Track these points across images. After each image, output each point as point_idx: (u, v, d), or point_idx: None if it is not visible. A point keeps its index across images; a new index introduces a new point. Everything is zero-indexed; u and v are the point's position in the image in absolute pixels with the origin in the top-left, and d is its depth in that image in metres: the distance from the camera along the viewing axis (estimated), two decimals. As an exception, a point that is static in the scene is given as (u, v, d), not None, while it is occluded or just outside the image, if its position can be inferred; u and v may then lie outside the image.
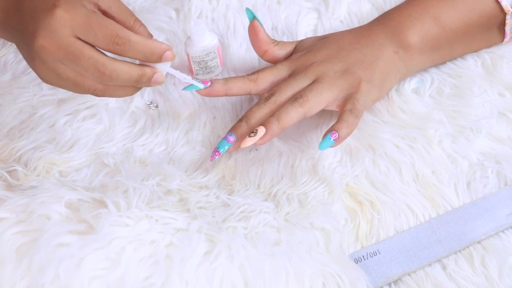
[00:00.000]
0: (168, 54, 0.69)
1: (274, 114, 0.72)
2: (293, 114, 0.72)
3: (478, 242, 0.70)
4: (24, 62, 0.88)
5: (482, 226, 0.71)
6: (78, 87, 0.69)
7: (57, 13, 0.66)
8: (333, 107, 0.75)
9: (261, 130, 0.71)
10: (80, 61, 0.66)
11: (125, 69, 0.68)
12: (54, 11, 0.65)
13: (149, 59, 0.69)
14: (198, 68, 0.84)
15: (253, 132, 0.71)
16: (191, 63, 0.84)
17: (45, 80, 0.69)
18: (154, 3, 0.92)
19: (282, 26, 0.90)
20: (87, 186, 0.71)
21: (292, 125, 0.73)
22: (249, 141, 0.71)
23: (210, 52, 0.83)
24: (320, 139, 0.77)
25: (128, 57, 0.68)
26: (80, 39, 0.66)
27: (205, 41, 0.82)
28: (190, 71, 0.85)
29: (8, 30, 0.71)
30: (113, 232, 0.62)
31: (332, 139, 0.71)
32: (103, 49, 0.67)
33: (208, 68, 0.84)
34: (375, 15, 0.88)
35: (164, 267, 0.61)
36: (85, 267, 0.60)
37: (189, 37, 0.83)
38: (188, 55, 0.83)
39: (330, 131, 0.71)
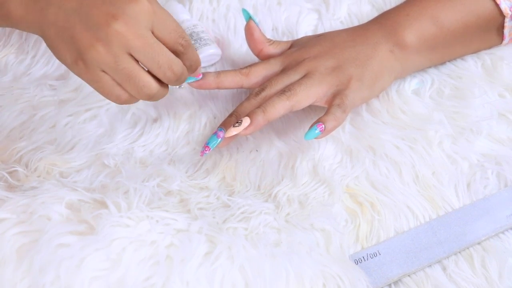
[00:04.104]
0: (199, 70, 0.73)
1: (260, 105, 0.73)
2: (279, 107, 0.72)
3: (478, 243, 0.70)
4: (25, 63, 0.88)
5: (482, 227, 0.71)
6: (129, 81, 0.65)
7: (143, 3, 0.64)
8: (322, 103, 0.75)
9: (246, 121, 0.71)
10: (158, 56, 0.65)
11: (184, 69, 0.68)
12: (140, 1, 0.64)
13: (190, 69, 0.70)
14: (193, 42, 0.84)
15: (238, 122, 0.71)
16: None
17: (90, 70, 0.64)
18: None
19: (282, 27, 0.90)
20: (88, 187, 0.71)
21: (278, 118, 0.73)
22: (233, 131, 0.71)
23: (197, 25, 0.85)
24: (321, 140, 0.77)
25: (181, 59, 0.68)
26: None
27: (184, 14, 0.86)
28: None
29: (40, 8, 0.65)
30: (113, 232, 0.62)
31: (318, 130, 0.71)
32: (167, 47, 0.66)
33: (203, 39, 0.84)
34: (375, 16, 0.88)
35: (165, 268, 0.61)
36: (86, 268, 0.60)
37: None
38: None
39: (316, 122, 0.72)
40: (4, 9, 0.66)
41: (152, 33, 0.65)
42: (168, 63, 0.66)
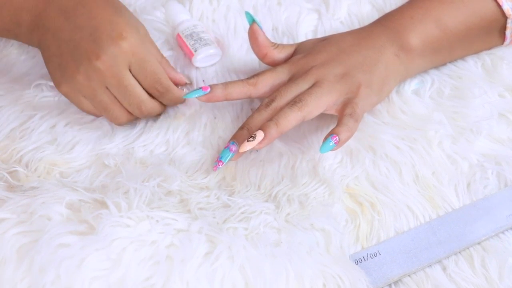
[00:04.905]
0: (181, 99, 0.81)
1: (272, 118, 0.72)
2: (291, 118, 0.72)
3: (478, 243, 0.71)
4: (26, 64, 0.88)
5: (482, 227, 0.71)
6: (105, 112, 0.77)
7: (123, 45, 0.74)
8: (332, 111, 0.75)
9: (260, 135, 0.71)
10: (129, 96, 0.76)
11: (157, 109, 0.79)
12: (120, 43, 0.74)
13: (170, 105, 0.81)
14: (193, 42, 0.84)
15: (251, 136, 0.71)
16: (186, 41, 0.84)
17: (72, 93, 0.76)
18: (154, 3, 0.92)
19: (282, 27, 0.90)
20: (88, 187, 0.71)
21: (291, 129, 0.73)
22: (247, 146, 0.71)
23: (197, 25, 0.85)
24: (321, 141, 0.77)
25: (160, 100, 0.79)
26: (130, 71, 0.75)
27: (184, 14, 0.87)
28: (189, 54, 0.85)
29: (41, 32, 0.76)
30: (113, 232, 0.62)
31: (333, 142, 0.71)
32: (143, 87, 0.77)
33: (203, 40, 0.84)
34: (375, 16, 0.88)
35: (165, 268, 0.61)
36: (86, 268, 0.60)
37: (175, 27, 0.86)
38: (179, 36, 0.85)
39: (330, 134, 0.71)
40: (17, 18, 0.78)
41: (130, 71, 0.75)
42: (137, 103, 0.76)
